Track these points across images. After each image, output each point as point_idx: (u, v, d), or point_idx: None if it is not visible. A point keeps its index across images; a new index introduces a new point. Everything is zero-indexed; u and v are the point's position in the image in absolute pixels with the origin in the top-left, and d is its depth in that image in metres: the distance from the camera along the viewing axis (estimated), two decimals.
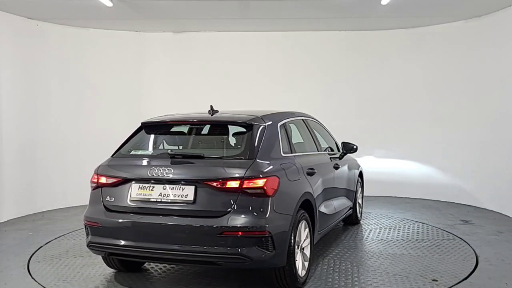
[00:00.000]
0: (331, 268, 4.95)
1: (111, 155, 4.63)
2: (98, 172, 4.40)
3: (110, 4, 7.02)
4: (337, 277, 4.67)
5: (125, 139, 4.71)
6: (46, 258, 5.42)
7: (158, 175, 4.06)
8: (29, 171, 8.01)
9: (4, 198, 7.53)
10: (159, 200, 4.05)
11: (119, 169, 4.33)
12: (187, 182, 4.00)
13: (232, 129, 4.62)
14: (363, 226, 6.91)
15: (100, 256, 5.25)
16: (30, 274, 4.86)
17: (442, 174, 8.84)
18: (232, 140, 4.58)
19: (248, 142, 4.23)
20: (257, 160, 4.06)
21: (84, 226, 4.41)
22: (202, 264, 4.22)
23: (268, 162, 4.13)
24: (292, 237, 4.10)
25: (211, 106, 4.88)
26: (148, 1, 7.09)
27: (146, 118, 4.94)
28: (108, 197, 4.24)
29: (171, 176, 4.04)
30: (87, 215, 4.35)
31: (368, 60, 9.29)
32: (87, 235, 4.38)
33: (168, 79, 9.28)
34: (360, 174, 7.12)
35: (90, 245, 4.33)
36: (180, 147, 4.84)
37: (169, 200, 4.03)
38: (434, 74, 8.91)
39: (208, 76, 9.23)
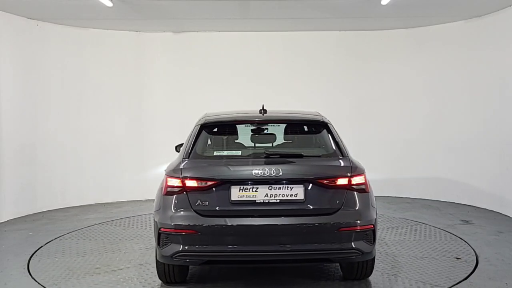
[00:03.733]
0: None
1: (183, 156, 4.22)
2: (183, 175, 4.01)
3: (110, 4, 7.02)
4: (379, 266, 4.83)
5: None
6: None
7: (264, 175, 3.96)
8: (29, 171, 8.00)
9: (4, 198, 7.52)
10: (266, 201, 3.96)
11: (209, 171, 4.08)
12: (294, 181, 4.01)
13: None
14: None
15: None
16: (30, 274, 4.86)
17: (442, 174, 8.82)
18: (313, 139, 4.74)
19: (332, 140, 4.40)
20: (350, 157, 4.24)
21: (158, 235, 3.96)
22: (316, 261, 4.35)
23: (354, 159, 4.30)
24: None
25: (263, 106, 4.83)
26: (148, 1, 7.08)
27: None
28: (199, 201, 3.94)
29: (278, 176, 3.97)
30: (168, 222, 3.91)
31: (368, 60, 9.27)
32: (164, 245, 3.94)
33: (168, 79, 9.26)
34: None
35: (178, 255, 3.91)
36: (264, 146, 4.67)
37: (278, 201, 3.96)
38: (433, 74, 8.89)
39: (208, 76, 9.21)
